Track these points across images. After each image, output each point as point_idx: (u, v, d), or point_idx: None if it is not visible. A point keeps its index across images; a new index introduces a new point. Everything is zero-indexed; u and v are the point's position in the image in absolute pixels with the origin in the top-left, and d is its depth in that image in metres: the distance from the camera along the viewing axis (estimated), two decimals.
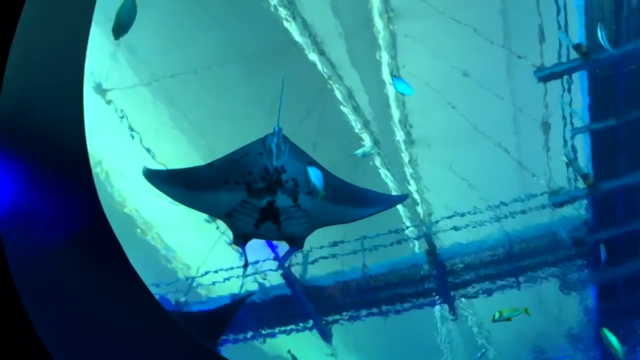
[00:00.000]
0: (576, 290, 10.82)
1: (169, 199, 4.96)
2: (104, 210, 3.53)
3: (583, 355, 11.87)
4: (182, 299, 11.06)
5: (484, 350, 11.93)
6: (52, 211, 3.29)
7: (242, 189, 4.39)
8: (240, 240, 4.54)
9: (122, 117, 9.19)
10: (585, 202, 9.68)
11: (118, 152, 9.59)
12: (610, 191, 9.30)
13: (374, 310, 10.96)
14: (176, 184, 4.54)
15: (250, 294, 10.66)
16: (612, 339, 7.94)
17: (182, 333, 4.80)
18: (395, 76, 8.09)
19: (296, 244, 4.56)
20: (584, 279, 10.53)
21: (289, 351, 9.81)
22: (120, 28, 4.64)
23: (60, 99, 3.37)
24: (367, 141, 9.47)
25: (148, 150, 9.53)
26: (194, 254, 10.91)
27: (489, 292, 10.66)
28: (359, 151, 9.15)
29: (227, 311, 8.30)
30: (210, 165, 4.50)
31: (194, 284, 11.21)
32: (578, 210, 9.81)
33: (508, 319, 7.64)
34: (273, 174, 4.37)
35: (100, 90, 8.94)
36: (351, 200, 4.63)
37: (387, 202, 4.91)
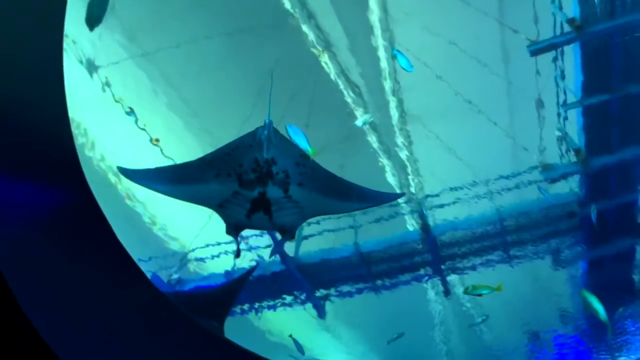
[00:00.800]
0: (567, 266, 10.94)
1: None
2: (89, 187, 3.49)
3: (572, 329, 12.06)
4: (175, 276, 11.08)
5: (484, 317, 12.04)
6: (32, 188, 3.25)
7: (234, 180, 4.42)
8: (233, 230, 4.58)
9: (112, 95, 9.08)
10: (577, 176, 9.73)
11: (109, 128, 9.50)
12: (603, 166, 9.34)
13: (367, 285, 11.06)
14: (162, 180, 4.53)
15: (254, 267, 10.61)
16: (592, 299, 8.03)
17: (176, 312, 4.82)
18: (398, 51, 7.99)
19: (287, 234, 4.61)
20: (575, 253, 10.64)
21: (290, 336, 9.89)
22: (94, 19, 4.59)
23: (38, 73, 3.30)
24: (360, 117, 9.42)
25: (143, 129, 9.46)
26: (187, 229, 10.90)
27: (480, 268, 10.77)
28: (359, 120, 9.12)
29: (231, 288, 8.17)
30: (201, 159, 4.51)
31: (187, 260, 11.22)
32: (570, 185, 9.86)
33: (479, 295, 7.75)
34: (263, 166, 4.38)
35: (91, 68, 8.81)
36: (342, 194, 4.66)
37: (379, 199, 4.92)
